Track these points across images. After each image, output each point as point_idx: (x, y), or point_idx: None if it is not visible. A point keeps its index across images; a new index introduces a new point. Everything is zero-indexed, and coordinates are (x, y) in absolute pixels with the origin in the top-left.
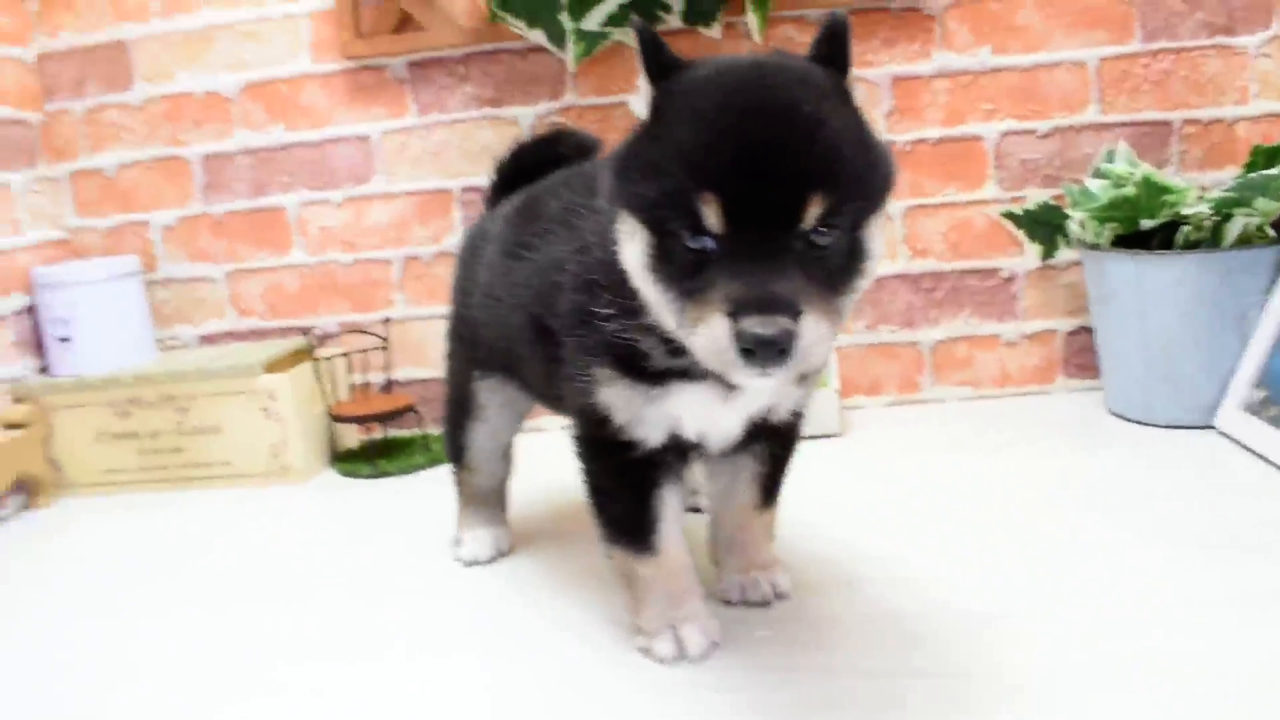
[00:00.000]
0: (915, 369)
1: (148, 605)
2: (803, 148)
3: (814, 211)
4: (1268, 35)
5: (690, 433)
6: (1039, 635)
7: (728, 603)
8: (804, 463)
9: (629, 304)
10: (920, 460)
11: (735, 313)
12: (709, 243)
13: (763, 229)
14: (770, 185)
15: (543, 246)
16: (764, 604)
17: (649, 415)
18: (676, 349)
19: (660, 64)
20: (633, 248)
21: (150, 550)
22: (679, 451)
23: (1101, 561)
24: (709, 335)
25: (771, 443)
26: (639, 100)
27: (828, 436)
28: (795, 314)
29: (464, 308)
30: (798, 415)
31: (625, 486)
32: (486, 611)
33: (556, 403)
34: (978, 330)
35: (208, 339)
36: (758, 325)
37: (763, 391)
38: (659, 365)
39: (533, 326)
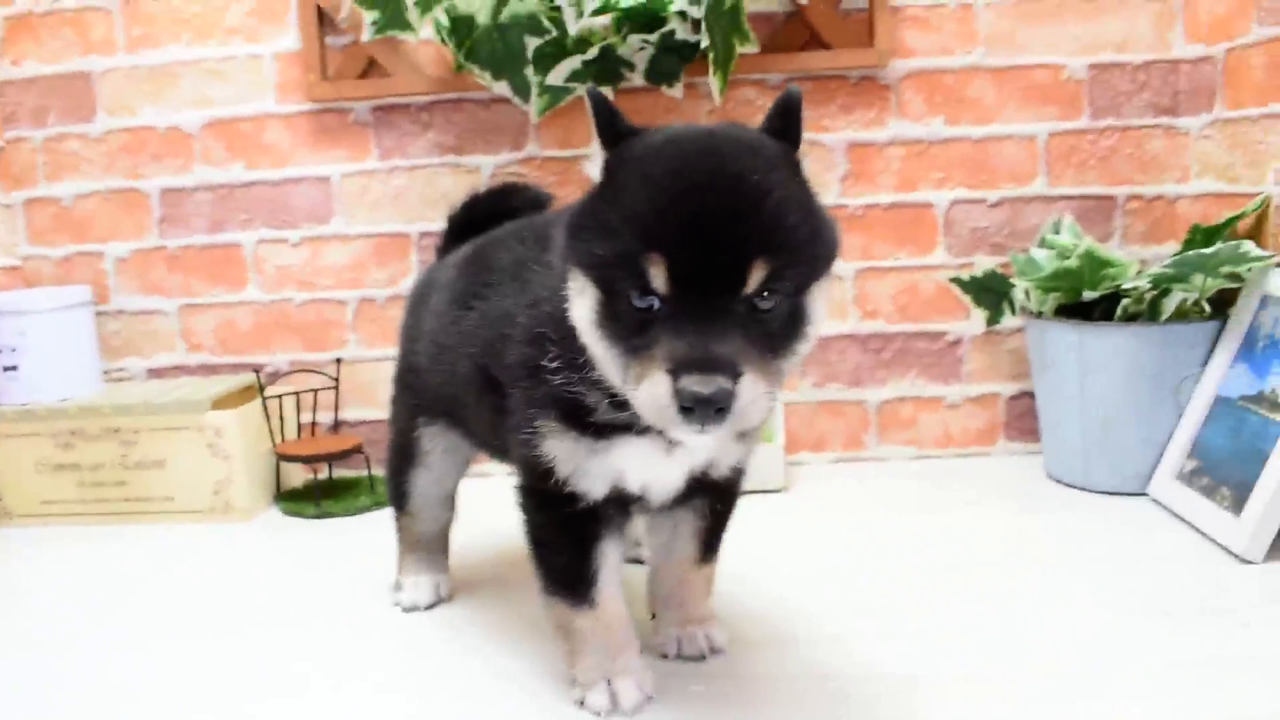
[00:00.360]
0: (861, 427)
1: (82, 639)
2: (749, 215)
3: (757, 276)
4: (1210, 118)
5: (633, 485)
6: (965, 697)
7: (664, 656)
8: (746, 517)
9: (576, 358)
10: (862, 518)
11: (676, 371)
12: (655, 303)
13: (707, 292)
14: (716, 250)
15: (492, 297)
16: (700, 658)
17: (592, 468)
18: (621, 403)
19: (613, 130)
20: (582, 304)
21: (87, 584)
22: (621, 504)
23: (1033, 624)
24: (650, 392)
25: (712, 498)
26: (592, 162)
27: (771, 491)
28: (735, 375)
29: (410, 354)
30: (739, 471)
31: (566, 538)
32: (423, 658)
33: (500, 452)
34: (923, 391)
35: (156, 372)
36: (697, 384)
37: (703, 448)
38: (604, 418)
39: (479, 376)
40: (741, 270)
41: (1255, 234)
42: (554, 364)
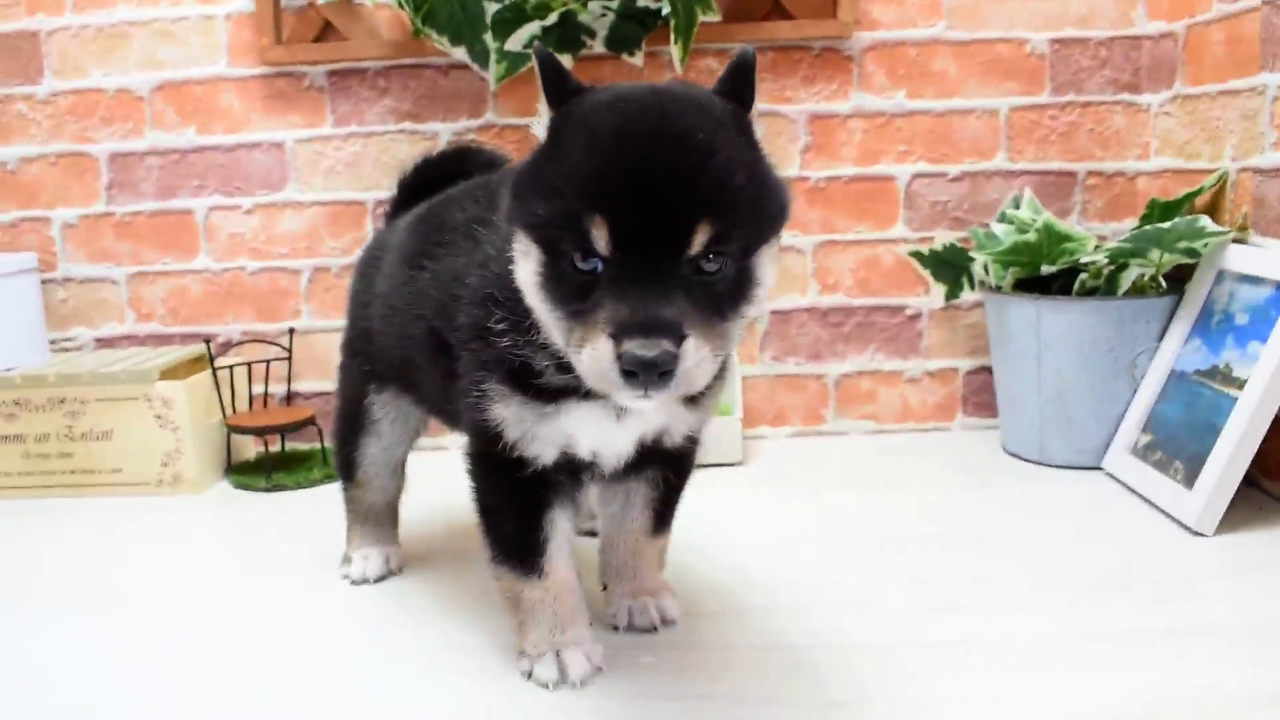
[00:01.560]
0: (820, 401)
1: (27, 614)
2: (693, 174)
3: (701, 238)
4: (1170, 94)
5: (583, 451)
6: (918, 665)
7: (615, 628)
8: (703, 489)
9: (522, 321)
10: (818, 491)
11: (618, 335)
12: (598, 265)
13: (650, 254)
14: (658, 210)
15: (444, 257)
16: (651, 630)
17: (541, 432)
18: (567, 366)
19: (560, 89)
20: (526, 266)
21: (32, 558)
22: (571, 472)
23: (985, 596)
24: (593, 356)
25: (666, 468)
26: (539, 122)
27: (729, 464)
28: (679, 338)
29: (361, 319)
30: (693, 441)
31: (515, 506)
32: (372, 631)
33: (451, 418)
34: (882, 366)
35: (105, 342)
36: (639, 347)
37: (651, 413)
38: (552, 383)
39: (431, 338)
40: (685, 231)
41: (1212, 210)
42: (500, 326)
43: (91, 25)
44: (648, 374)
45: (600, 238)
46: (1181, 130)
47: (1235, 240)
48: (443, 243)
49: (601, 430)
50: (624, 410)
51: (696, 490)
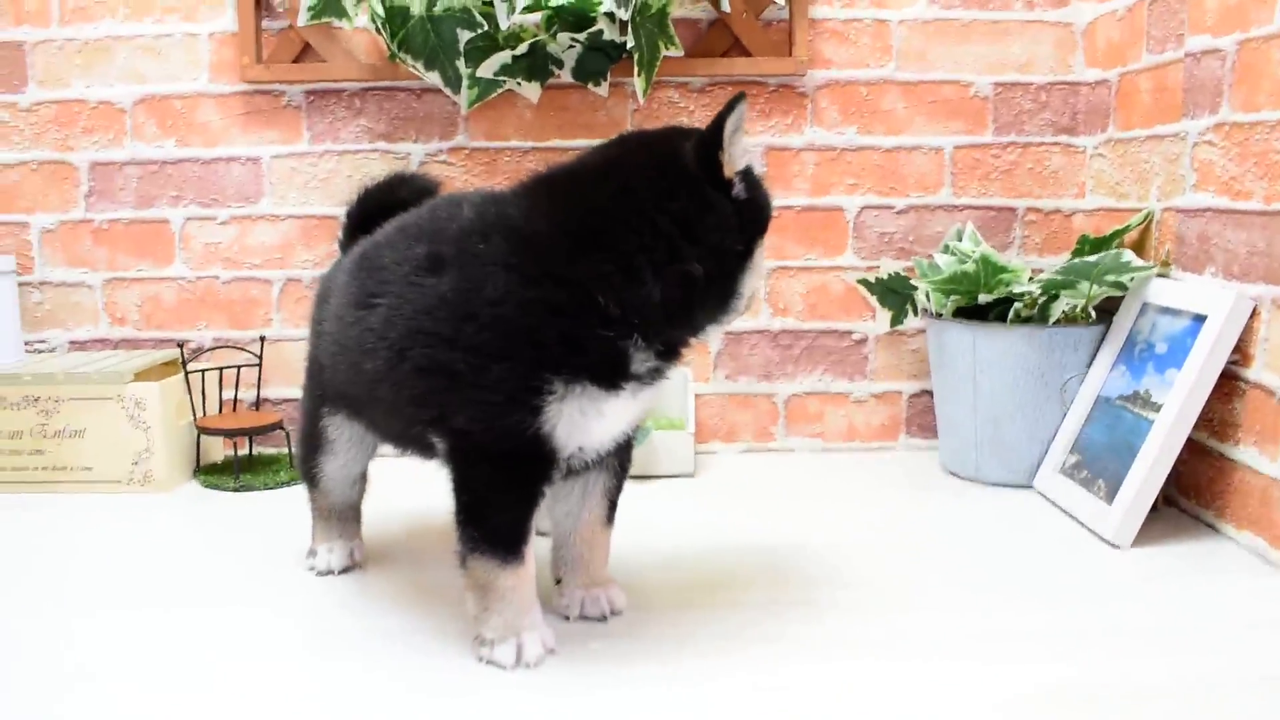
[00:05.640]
0: (770, 419)
1: None
2: None
3: None
4: (1104, 138)
5: (593, 439)
6: (848, 660)
7: (566, 618)
8: (656, 499)
9: (631, 319)
10: (766, 503)
11: None
12: None
13: None
14: None
15: (428, 287)
16: (601, 619)
17: (584, 423)
18: (669, 352)
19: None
20: (763, 261)
21: (1, 553)
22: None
23: (915, 599)
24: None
25: (622, 455)
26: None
27: (682, 476)
28: None
29: (315, 348)
30: (639, 428)
31: (517, 498)
32: (336, 619)
33: (409, 441)
34: (830, 387)
35: (78, 345)
36: None
37: (656, 398)
38: (638, 370)
39: (405, 365)
40: None
41: (1139, 246)
42: (612, 332)
43: (77, 39)
44: None
45: None
46: (1113, 171)
47: (1159, 275)
48: (394, 280)
49: (622, 416)
50: (640, 394)
51: (650, 499)
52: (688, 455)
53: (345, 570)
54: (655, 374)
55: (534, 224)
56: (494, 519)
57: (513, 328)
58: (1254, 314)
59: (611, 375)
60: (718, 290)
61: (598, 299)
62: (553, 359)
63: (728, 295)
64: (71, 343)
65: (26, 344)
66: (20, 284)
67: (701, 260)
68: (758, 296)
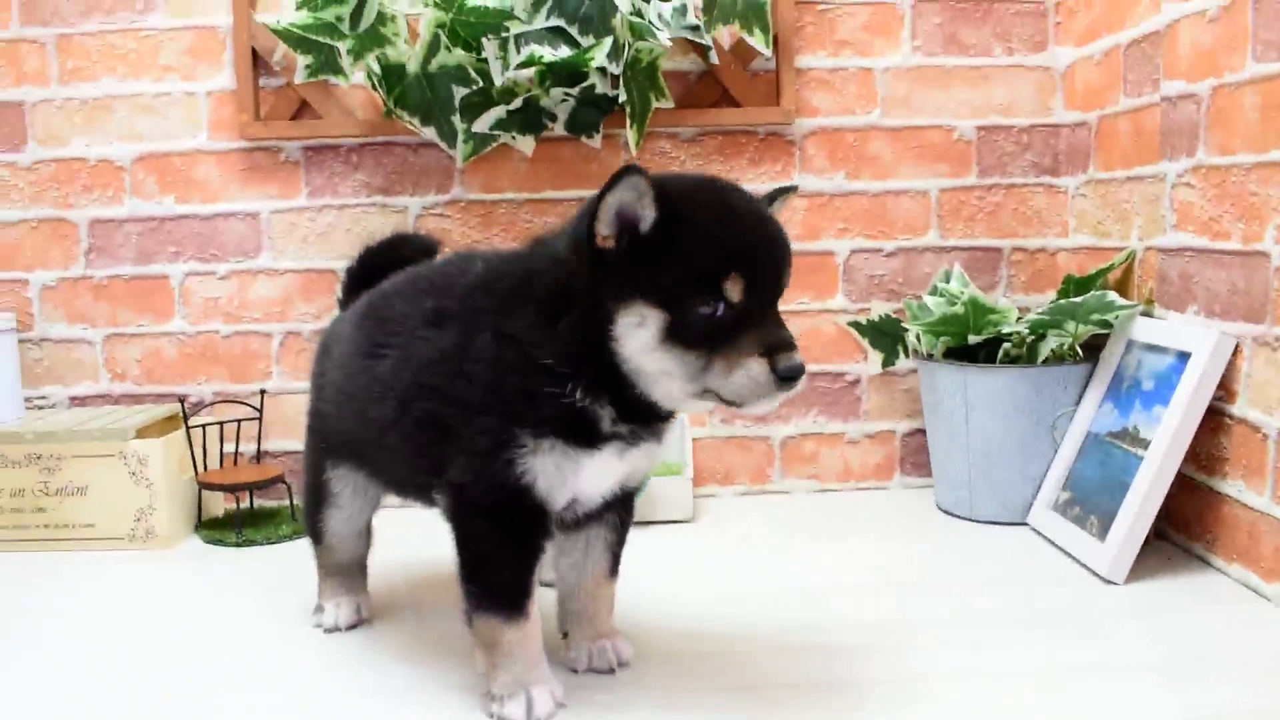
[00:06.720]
0: (766, 461)
1: (1, 668)
2: (787, 244)
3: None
4: (1085, 178)
5: (586, 494)
6: (853, 701)
7: (574, 670)
8: (655, 544)
9: (594, 381)
10: (765, 545)
11: (770, 353)
12: (719, 311)
13: (768, 299)
14: (772, 268)
15: (421, 342)
16: (609, 671)
17: (567, 479)
18: (630, 414)
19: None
20: (643, 332)
21: (5, 612)
22: (557, 518)
23: (915, 637)
24: (747, 374)
25: (621, 509)
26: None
27: (680, 521)
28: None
29: (318, 400)
30: (641, 483)
31: (512, 553)
32: (341, 678)
33: (414, 490)
34: (824, 428)
35: (79, 400)
36: (793, 358)
37: (656, 453)
38: (604, 430)
39: (408, 417)
40: (783, 282)
41: (1123, 284)
42: (560, 389)
43: (76, 98)
44: (798, 376)
45: (734, 290)
46: (1095, 211)
47: (1143, 313)
48: (409, 330)
49: (607, 473)
50: (626, 454)
51: (650, 545)
52: (686, 501)
53: (352, 627)
54: (636, 436)
55: (507, 282)
56: (495, 576)
57: (487, 384)
58: (1237, 351)
59: (582, 433)
60: (595, 349)
61: (530, 351)
62: (517, 414)
63: (609, 355)
64: (72, 398)
65: (26, 400)
66: (20, 340)
67: (581, 315)
68: (672, 374)
